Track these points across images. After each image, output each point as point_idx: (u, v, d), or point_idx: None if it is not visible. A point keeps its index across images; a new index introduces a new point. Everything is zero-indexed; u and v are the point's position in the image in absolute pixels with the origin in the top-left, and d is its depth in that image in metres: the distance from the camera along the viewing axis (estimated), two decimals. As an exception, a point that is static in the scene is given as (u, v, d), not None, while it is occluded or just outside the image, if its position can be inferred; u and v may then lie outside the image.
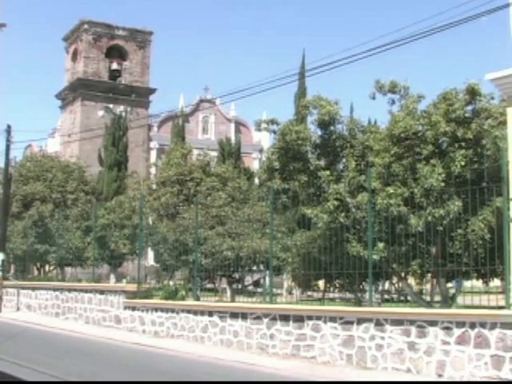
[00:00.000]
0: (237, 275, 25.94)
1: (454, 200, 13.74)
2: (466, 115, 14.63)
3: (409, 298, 24.33)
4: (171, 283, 24.72)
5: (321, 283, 22.42)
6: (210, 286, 28.21)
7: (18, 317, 25.31)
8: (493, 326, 11.27)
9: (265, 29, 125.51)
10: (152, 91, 64.56)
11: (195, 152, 40.70)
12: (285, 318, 15.07)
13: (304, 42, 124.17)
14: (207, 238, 24.02)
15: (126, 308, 20.72)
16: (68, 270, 34.48)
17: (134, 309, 20.32)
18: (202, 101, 65.58)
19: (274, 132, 17.15)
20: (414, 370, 12.40)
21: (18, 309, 28.01)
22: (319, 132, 16.63)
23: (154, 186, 36.73)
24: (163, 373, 13.24)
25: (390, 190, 14.23)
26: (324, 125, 16.41)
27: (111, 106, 60.73)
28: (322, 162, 16.44)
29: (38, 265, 35.30)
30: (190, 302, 19.18)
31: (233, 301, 23.02)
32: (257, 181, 25.84)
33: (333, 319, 14.01)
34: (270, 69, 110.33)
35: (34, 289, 27.36)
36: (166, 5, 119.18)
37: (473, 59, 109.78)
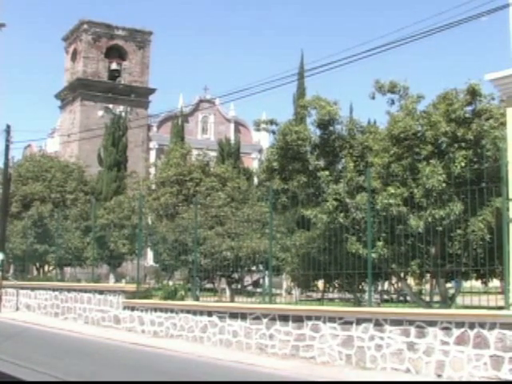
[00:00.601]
0: (236, 275, 25.95)
1: (456, 201, 13.74)
2: (466, 115, 14.64)
3: (408, 298, 24.35)
4: (170, 283, 24.73)
5: (320, 283, 22.39)
6: (209, 286, 28.23)
7: (17, 317, 25.30)
8: (492, 327, 11.27)
9: (265, 29, 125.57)
10: (151, 91, 64.53)
11: (194, 152, 40.72)
12: (284, 318, 15.07)
13: (304, 42, 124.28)
14: (206, 238, 24.02)
15: (125, 308, 20.71)
16: (67, 269, 34.51)
17: (133, 309, 20.32)
18: (201, 101, 65.53)
19: (273, 132, 17.18)
20: (413, 370, 12.40)
21: (18, 309, 28.00)
22: (318, 132, 16.64)
23: (154, 186, 36.75)
24: (162, 373, 13.25)
25: (391, 189, 14.23)
26: (323, 125, 16.41)
27: (111, 106, 60.67)
28: (322, 163, 16.44)
29: (38, 265, 35.30)
30: (189, 302, 19.18)
31: (232, 301, 23.02)
32: (256, 180, 25.85)
33: (332, 319, 14.01)
34: (269, 69, 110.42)
35: (33, 289, 27.34)
36: (165, 5, 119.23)
37: (473, 59, 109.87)
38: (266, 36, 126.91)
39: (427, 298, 18.88)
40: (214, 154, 46.62)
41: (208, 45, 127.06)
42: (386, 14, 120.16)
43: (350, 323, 13.63)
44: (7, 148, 30.60)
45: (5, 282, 29.21)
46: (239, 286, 26.86)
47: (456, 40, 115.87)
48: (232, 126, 67.28)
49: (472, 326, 11.56)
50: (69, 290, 24.50)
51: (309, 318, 14.52)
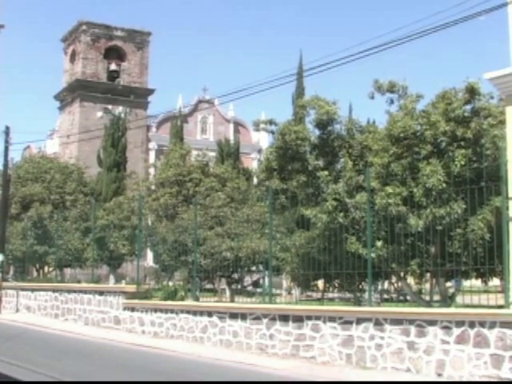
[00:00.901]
0: (236, 275, 25.93)
1: (458, 201, 13.73)
2: (465, 114, 14.63)
3: (408, 297, 24.32)
4: (170, 284, 24.70)
5: (320, 283, 22.38)
6: (209, 286, 28.20)
7: (17, 318, 25.30)
8: (492, 325, 11.27)
9: (265, 29, 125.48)
10: (150, 92, 64.51)
11: (194, 153, 40.69)
12: (284, 318, 15.07)
13: (303, 42, 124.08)
14: (206, 239, 23.99)
15: (125, 309, 20.71)
16: (67, 271, 34.44)
17: (133, 310, 20.31)
18: (200, 101, 65.53)
19: (273, 132, 17.17)
20: (414, 369, 12.40)
21: (18, 310, 28.00)
22: (317, 132, 16.64)
23: (153, 187, 36.70)
24: (160, 373, 13.25)
25: (389, 189, 14.23)
26: (322, 125, 16.41)
27: (110, 106, 60.63)
28: (321, 162, 16.43)
29: (38, 266, 35.26)
30: (189, 302, 19.18)
31: (232, 301, 23.01)
32: (255, 180, 25.81)
33: (332, 319, 14.01)
34: (269, 69, 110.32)
35: (33, 290, 27.34)
36: (165, 5, 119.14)
37: (472, 58, 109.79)
38: (265, 36, 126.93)
39: (427, 298, 18.89)
40: (213, 154, 46.57)
41: (208, 45, 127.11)
42: (386, 14, 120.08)
43: (350, 323, 13.63)
44: (6, 149, 30.60)
45: (5, 284, 29.19)
46: (239, 287, 26.84)
47: (455, 39, 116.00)
48: (231, 126, 67.27)
49: (472, 324, 11.57)
50: (69, 291, 24.49)
51: (309, 317, 14.52)
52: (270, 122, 17.18)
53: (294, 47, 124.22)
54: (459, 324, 11.77)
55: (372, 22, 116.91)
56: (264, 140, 61.56)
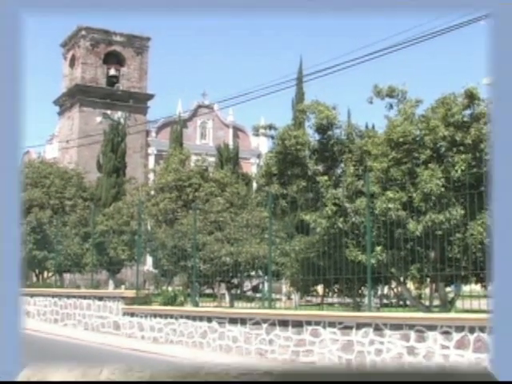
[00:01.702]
0: (235, 281, 25.93)
1: (457, 206, 13.72)
2: (465, 119, 14.65)
3: (408, 302, 24.34)
4: (170, 289, 24.70)
5: (319, 288, 22.38)
6: (208, 291, 28.20)
7: (16, 323, 25.22)
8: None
9: (265, 29, 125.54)
10: (150, 97, 64.58)
11: (193, 158, 40.72)
12: (284, 324, 15.05)
13: (303, 43, 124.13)
14: (206, 244, 24.01)
15: (124, 314, 20.67)
16: (67, 276, 34.42)
17: (132, 315, 20.28)
18: (200, 106, 65.61)
19: (272, 137, 17.18)
20: (414, 374, 12.39)
21: (17, 315, 27.91)
22: (317, 137, 16.66)
23: (153, 192, 36.69)
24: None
25: (389, 194, 14.23)
26: (322, 130, 16.43)
27: (109, 112, 60.68)
28: (320, 167, 16.45)
29: (37, 271, 35.21)
30: (188, 307, 19.16)
31: (232, 306, 22.99)
32: (255, 185, 25.85)
33: (332, 324, 13.99)
34: (269, 69, 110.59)
35: (32, 295, 27.26)
36: (165, 5, 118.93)
37: (472, 61, 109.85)
38: (266, 36, 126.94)
39: (427, 303, 18.87)
40: (212, 159, 46.62)
41: (208, 45, 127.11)
42: (386, 14, 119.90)
43: (350, 328, 13.61)
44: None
45: (4, 289, 29.12)
46: (239, 292, 26.84)
47: (455, 42, 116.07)
48: (230, 131, 67.32)
49: (472, 330, 11.55)
50: (68, 297, 24.44)
51: (308, 323, 14.50)
52: (270, 127, 17.19)
53: (295, 47, 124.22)
54: (459, 329, 11.75)
55: (372, 22, 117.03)
56: (263, 145, 61.57)
